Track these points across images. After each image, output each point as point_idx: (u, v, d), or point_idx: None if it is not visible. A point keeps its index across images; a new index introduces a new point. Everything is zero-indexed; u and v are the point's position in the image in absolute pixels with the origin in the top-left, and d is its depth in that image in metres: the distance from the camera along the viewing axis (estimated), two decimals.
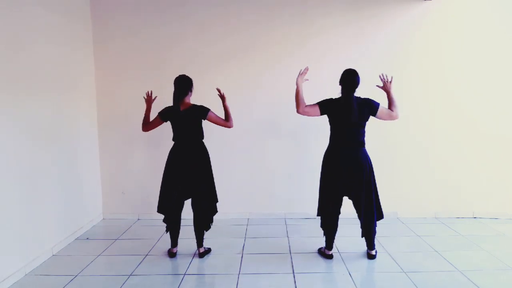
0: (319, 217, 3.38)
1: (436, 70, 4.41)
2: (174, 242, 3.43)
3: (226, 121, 3.41)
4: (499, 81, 4.37)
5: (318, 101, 3.23)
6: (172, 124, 3.32)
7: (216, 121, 3.36)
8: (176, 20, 4.41)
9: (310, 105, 3.22)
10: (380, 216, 3.28)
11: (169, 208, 3.32)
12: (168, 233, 3.43)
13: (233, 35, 4.43)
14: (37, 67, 3.33)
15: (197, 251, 3.45)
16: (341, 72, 3.23)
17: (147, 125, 3.44)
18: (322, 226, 3.36)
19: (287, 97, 4.44)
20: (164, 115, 3.32)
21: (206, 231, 3.44)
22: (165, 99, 4.32)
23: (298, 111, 3.22)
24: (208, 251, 3.51)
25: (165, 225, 3.41)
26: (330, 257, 3.36)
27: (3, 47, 2.89)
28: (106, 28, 4.42)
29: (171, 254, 3.43)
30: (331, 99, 3.22)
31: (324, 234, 3.37)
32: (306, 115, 3.24)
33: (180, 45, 4.44)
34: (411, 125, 4.41)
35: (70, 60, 3.93)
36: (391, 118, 3.24)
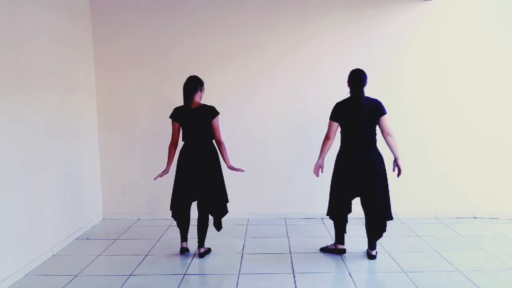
0: (328, 216, 3.42)
1: (436, 71, 4.41)
2: (184, 237, 3.44)
3: (221, 141, 3.31)
4: (499, 81, 4.37)
5: (330, 117, 3.26)
6: (182, 123, 3.31)
7: (215, 129, 3.30)
8: (176, 20, 4.41)
9: (329, 128, 3.27)
10: (389, 217, 3.28)
11: (179, 207, 3.35)
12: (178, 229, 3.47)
13: (233, 35, 4.43)
14: (36, 67, 3.32)
15: (197, 251, 3.44)
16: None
17: (172, 140, 3.37)
18: (332, 218, 3.39)
19: (287, 97, 4.47)
20: (175, 116, 3.32)
21: (218, 231, 3.46)
22: (164, 98, 4.34)
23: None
24: (208, 251, 3.51)
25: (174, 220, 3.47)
26: (342, 251, 3.40)
27: (3, 47, 2.89)
28: (106, 28, 4.42)
29: (182, 250, 3.44)
30: (338, 104, 3.26)
31: (335, 228, 3.40)
32: (334, 135, 3.27)
33: (180, 45, 4.44)
34: (411, 125, 4.41)
35: (70, 60, 3.92)
36: (386, 130, 3.19)
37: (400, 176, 3.29)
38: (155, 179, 3.38)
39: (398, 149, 3.22)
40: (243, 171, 3.38)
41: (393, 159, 3.27)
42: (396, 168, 3.28)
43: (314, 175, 3.36)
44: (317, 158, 3.36)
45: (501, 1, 4.34)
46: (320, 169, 3.35)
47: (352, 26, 4.40)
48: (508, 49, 4.34)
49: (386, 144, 3.24)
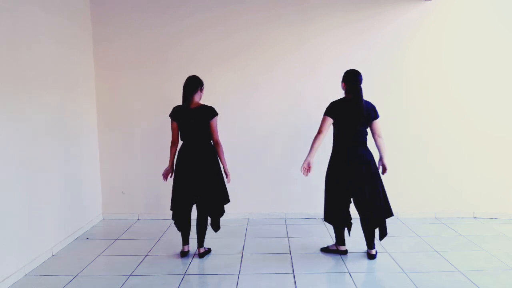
0: (325, 221, 3.42)
1: (436, 70, 4.41)
2: (185, 240, 3.42)
3: (218, 143, 3.31)
4: (499, 82, 4.37)
5: (325, 113, 3.23)
6: (180, 123, 3.30)
7: (213, 129, 3.28)
8: (176, 20, 4.41)
9: (323, 123, 3.22)
10: (390, 214, 3.29)
11: (178, 207, 3.34)
12: (179, 232, 3.44)
13: (233, 35, 4.43)
14: (37, 67, 3.32)
15: (197, 251, 3.44)
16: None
17: (172, 139, 3.37)
18: (330, 222, 3.38)
19: (287, 97, 4.47)
20: (174, 115, 3.31)
21: (216, 232, 3.45)
22: (164, 98, 4.34)
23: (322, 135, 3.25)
24: (208, 251, 3.50)
25: (173, 222, 3.44)
26: (344, 252, 3.41)
27: (3, 47, 2.89)
28: (106, 28, 4.42)
29: (183, 253, 3.42)
30: (334, 103, 3.24)
31: (335, 230, 3.41)
32: (327, 131, 3.24)
33: (180, 45, 4.44)
34: (412, 125, 4.41)
35: (70, 60, 3.93)
36: (378, 132, 3.27)
37: (385, 173, 3.35)
38: (165, 180, 3.40)
39: (385, 150, 3.33)
40: (229, 182, 3.40)
41: (378, 158, 3.34)
42: (381, 167, 3.35)
43: (302, 174, 3.21)
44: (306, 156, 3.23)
45: (501, 1, 4.34)
46: (309, 168, 3.18)
47: (352, 26, 4.40)
48: (508, 49, 4.34)
49: (375, 145, 3.31)
